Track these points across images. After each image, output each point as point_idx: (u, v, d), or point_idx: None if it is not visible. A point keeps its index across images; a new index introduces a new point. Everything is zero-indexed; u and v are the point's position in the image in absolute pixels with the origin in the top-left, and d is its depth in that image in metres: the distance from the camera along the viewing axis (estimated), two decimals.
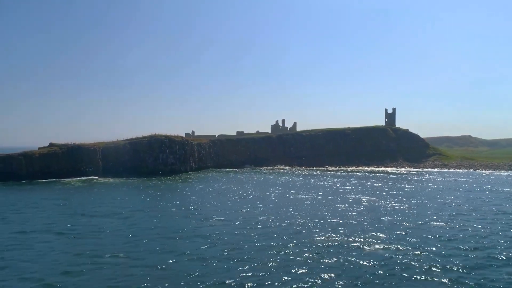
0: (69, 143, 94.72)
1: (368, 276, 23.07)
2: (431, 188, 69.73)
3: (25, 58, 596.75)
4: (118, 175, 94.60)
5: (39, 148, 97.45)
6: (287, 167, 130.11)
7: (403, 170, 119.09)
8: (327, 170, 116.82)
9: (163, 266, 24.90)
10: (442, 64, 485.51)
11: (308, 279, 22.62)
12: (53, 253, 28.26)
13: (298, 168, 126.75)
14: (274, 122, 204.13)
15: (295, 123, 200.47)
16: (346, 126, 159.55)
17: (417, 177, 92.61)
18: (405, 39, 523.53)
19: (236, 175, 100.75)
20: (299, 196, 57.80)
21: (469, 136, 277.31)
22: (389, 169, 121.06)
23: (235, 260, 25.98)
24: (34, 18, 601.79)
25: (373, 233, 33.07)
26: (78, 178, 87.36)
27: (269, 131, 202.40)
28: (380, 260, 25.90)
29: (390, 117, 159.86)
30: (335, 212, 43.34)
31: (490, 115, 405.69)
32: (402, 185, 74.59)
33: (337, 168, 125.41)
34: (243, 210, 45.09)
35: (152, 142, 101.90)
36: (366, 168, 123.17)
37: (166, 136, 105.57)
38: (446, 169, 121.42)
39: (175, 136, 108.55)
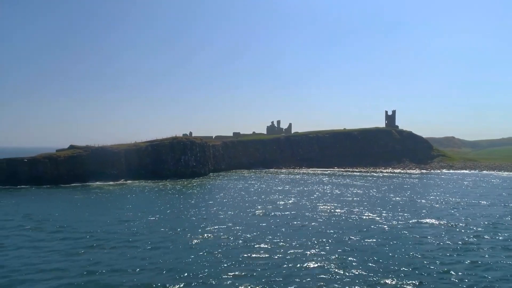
0: (93, 145, 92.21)
1: None
2: (486, 187, 73.63)
3: (21, 58, 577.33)
4: (140, 177, 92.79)
5: (57, 150, 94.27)
6: (297, 168, 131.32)
7: (414, 171, 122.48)
8: (344, 172, 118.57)
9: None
10: (430, 70, 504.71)
11: None
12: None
13: (310, 169, 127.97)
14: (270, 123, 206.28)
15: (290, 124, 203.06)
16: (343, 128, 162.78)
17: (443, 177, 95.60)
18: (399, 45, 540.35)
19: (262, 175, 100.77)
20: (390, 196, 58.48)
21: (453, 137, 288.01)
22: (398, 171, 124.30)
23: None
24: (36, 19, 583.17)
25: None
26: (109, 182, 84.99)
27: (265, 132, 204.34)
28: None
29: (390, 118, 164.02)
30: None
31: (472, 117, 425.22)
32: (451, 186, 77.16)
33: (347, 169, 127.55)
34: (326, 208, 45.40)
35: (174, 144, 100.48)
36: (378, 170, 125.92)
37: (187, 138, 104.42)
38: (453, 170, 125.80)
39: (195, 138, 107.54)
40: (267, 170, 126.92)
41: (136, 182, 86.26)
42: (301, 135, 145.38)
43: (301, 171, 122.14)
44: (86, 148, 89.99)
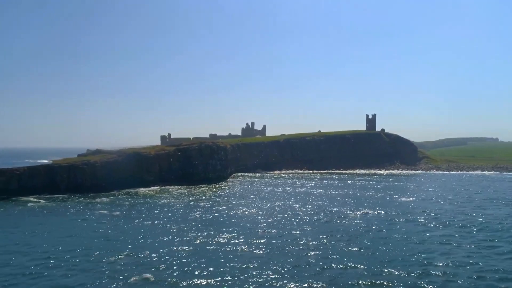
0: (124, 148, 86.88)
1: None
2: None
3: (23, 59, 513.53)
4: (171, 182, 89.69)
5: (79, 155, 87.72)
6: (298, 171, 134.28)
7: (408, 172, 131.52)
8: (356, 174, 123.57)
9: None
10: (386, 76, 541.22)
11: None
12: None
13: (312, 172, 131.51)
14: (245, 125, 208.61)
15: (264, 126, 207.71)
16: (317, 130, 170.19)
17: (443, 177, 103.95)
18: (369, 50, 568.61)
19: (279, 177, 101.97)
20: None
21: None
22: (394, 171, 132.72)
23: None
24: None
25: None
26: (151, 188, 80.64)
27: (240, 133, 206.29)
28: None
29: (371, 122, 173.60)
30: None
31: (417, 119, 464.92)
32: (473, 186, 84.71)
33: (348, 171, 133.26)
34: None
35: (202, 148, 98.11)
36: (375, 170, 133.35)
37: (213, 142, 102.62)
38: (440, 171, 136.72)
39: (219, 142, 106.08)
40: (272, 172, 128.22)
41: (175, 188, 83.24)
42: (299, 138, 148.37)
43: (307, 173, 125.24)
44: (121, 153, 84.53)
